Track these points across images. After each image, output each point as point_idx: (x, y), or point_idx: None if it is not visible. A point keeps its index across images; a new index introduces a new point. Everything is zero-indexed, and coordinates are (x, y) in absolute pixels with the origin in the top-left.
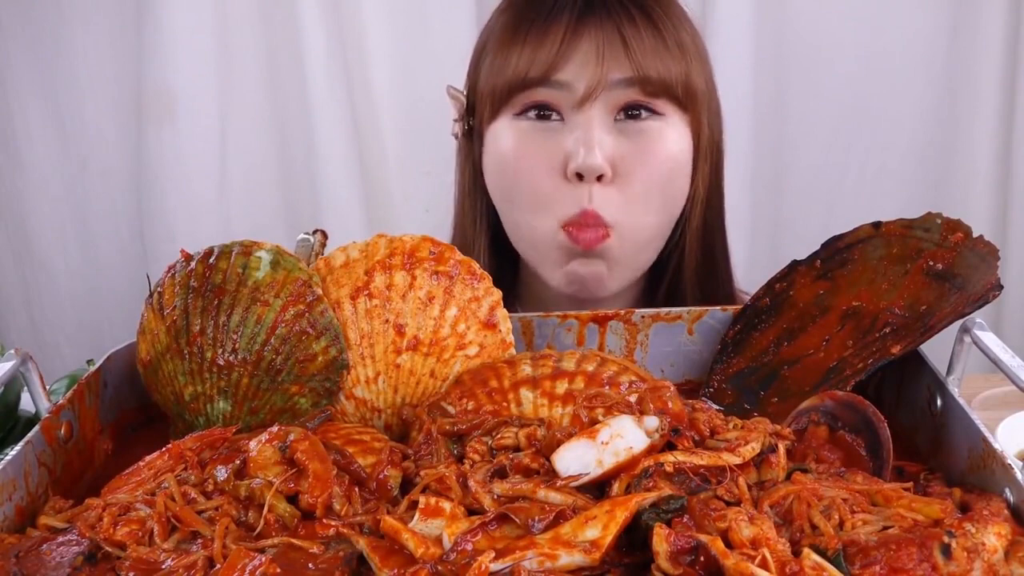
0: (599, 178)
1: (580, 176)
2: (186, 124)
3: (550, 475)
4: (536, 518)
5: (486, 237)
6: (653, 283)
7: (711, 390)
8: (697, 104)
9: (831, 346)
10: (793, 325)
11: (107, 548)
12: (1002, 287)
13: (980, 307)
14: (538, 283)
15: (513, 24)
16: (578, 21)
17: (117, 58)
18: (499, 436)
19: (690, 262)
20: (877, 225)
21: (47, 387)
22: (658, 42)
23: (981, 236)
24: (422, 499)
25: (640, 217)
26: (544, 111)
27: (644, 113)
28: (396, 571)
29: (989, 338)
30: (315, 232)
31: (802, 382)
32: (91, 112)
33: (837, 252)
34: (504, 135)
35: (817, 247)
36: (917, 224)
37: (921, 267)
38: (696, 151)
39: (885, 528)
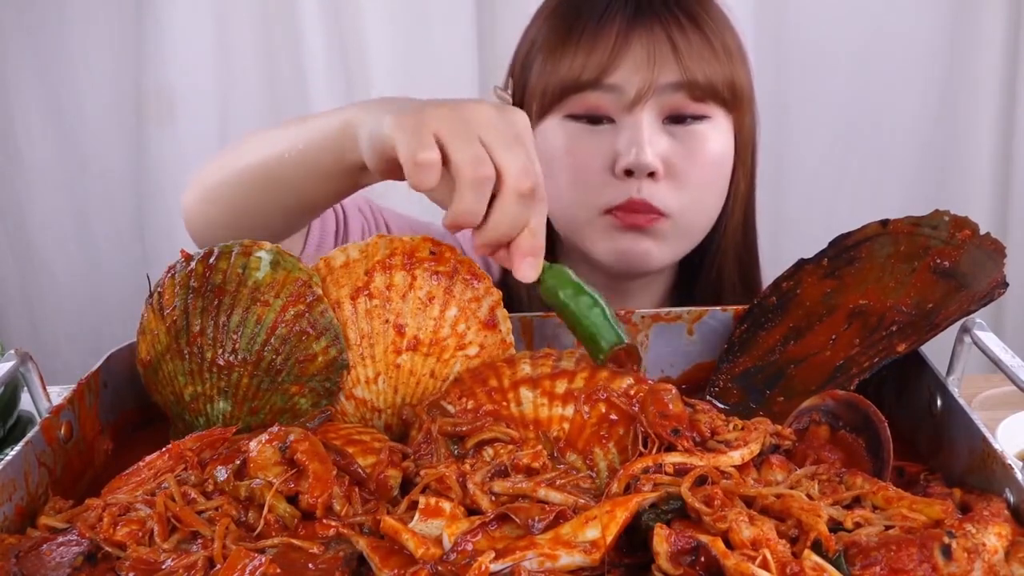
0: (651, 176)
1: (629, 173)
2: (186, 124)
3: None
4: (536, 518)
5: None
6: (689, 277)
7: (717, 389)
8: (741, 105)
9: (838, 345)
10: (800, 324)
11: (107, 548)
12: (1007, 284)
13: (986, 304)
14: (576, 258)
15: (565, 28)
16: (629, 26)
17: (117, 58)
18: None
19: (731, 256)
20: (885, 223)
21: (47, 387)
22: (705, 47)
23: (988, 233)
24: (422, 499)
25: (694, 209)
26: (595, 115)
27: (690, 119)
28: (396, 571)
29: (989, 338)
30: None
31: (808, 381)
32: (91, 112)
33: (845, 250)
34: (554, 133)
35: (819, 247)
36: (925, 221)
37: (928, 265)
38: (737, 148)
39: (886, 528)
